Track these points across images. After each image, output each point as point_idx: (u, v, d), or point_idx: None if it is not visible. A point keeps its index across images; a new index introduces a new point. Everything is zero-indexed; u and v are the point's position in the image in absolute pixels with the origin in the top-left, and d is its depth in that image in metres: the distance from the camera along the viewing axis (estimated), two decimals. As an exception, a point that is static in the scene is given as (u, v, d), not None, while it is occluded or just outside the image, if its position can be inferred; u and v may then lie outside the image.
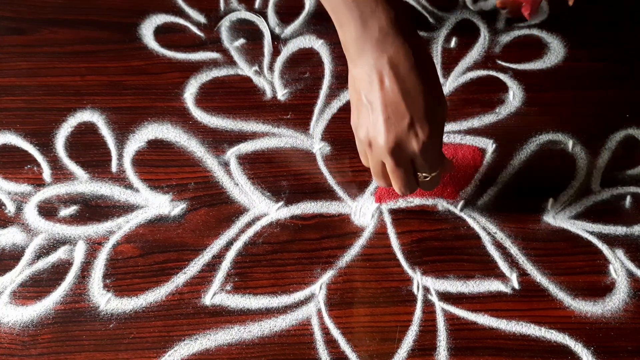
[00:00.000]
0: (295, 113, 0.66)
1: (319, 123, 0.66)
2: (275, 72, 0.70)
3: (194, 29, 0.73)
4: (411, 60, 0.47)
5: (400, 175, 0.50)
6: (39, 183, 0.61)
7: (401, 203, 0.61)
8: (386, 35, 0.46)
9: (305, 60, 0.71)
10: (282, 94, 0.68)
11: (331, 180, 0.62)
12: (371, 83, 0.47)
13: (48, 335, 0.53)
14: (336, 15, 0.48)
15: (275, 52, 0.71)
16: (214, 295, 0.56)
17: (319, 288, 0.56)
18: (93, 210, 0.60)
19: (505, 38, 0.73)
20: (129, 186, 0.62)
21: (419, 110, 0.47)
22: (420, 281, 0.57)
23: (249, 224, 0.60)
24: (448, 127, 0.65)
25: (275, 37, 0.72)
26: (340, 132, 0.65)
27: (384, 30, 0.46)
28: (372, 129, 0.48)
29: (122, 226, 0.59)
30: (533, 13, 0.62)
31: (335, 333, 0.54)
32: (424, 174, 0.51)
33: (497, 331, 0.54)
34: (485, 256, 0.58)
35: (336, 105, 0.67)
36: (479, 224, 0.60)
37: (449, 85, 0.69)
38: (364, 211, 0.61)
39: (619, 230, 0.60)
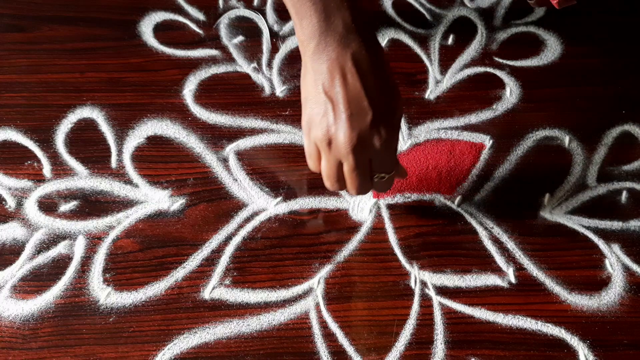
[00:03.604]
0: (294, 109, 0.67)
1: (317, 119, 0.66)
2: (273, 68, 0.70)
3: (193, 26, 0.73)
4: (373, 57, 0.46)
5: (357, 176, 0.48)
6: (39, 179, 0.62)
7: (399, 198, 0.61)
8: (349, 31, 0.46)
9: (303, 57, 0.71)
10: (280, 90, 0.68)
11: (329, 176, 0.63)
12: (332, 79, 0.46)
13: (48, 329, 0.54)
14: (296, 8, 0.46)
15: (274, 49, 0.71)
16: (213, 290, 0.56)
17: (317, 282, 0.56)
18: (93, 205, 0.60)
19: (502, 35, 0.73)
20: (129, 182, 0.62)
21: (381, 107, 0.46)
22: (417, 275, 0.57)
23: (247, 219, 0.60)
24: (446, 123, 0.66)
25: (273, 34, 0.73)
26: (338, 128, 0.65)
27: (348, 26, 0.46)
28: (333, 126, 0.46)
29: (121, 221, 0.59)
30: (562, 2, 0.58)
31: (334, 327, 0.54)
32: (381, 175, 0.51)
33: (493, 325, 0.55)
34: (482, 251, 0.59)
35: (334, 101, 0.67)
36: (476, 219, 0.60)
37: (446, 82, 0.69)
38: (362, 206, 0.61)
39: (615, 225, 0.60)
